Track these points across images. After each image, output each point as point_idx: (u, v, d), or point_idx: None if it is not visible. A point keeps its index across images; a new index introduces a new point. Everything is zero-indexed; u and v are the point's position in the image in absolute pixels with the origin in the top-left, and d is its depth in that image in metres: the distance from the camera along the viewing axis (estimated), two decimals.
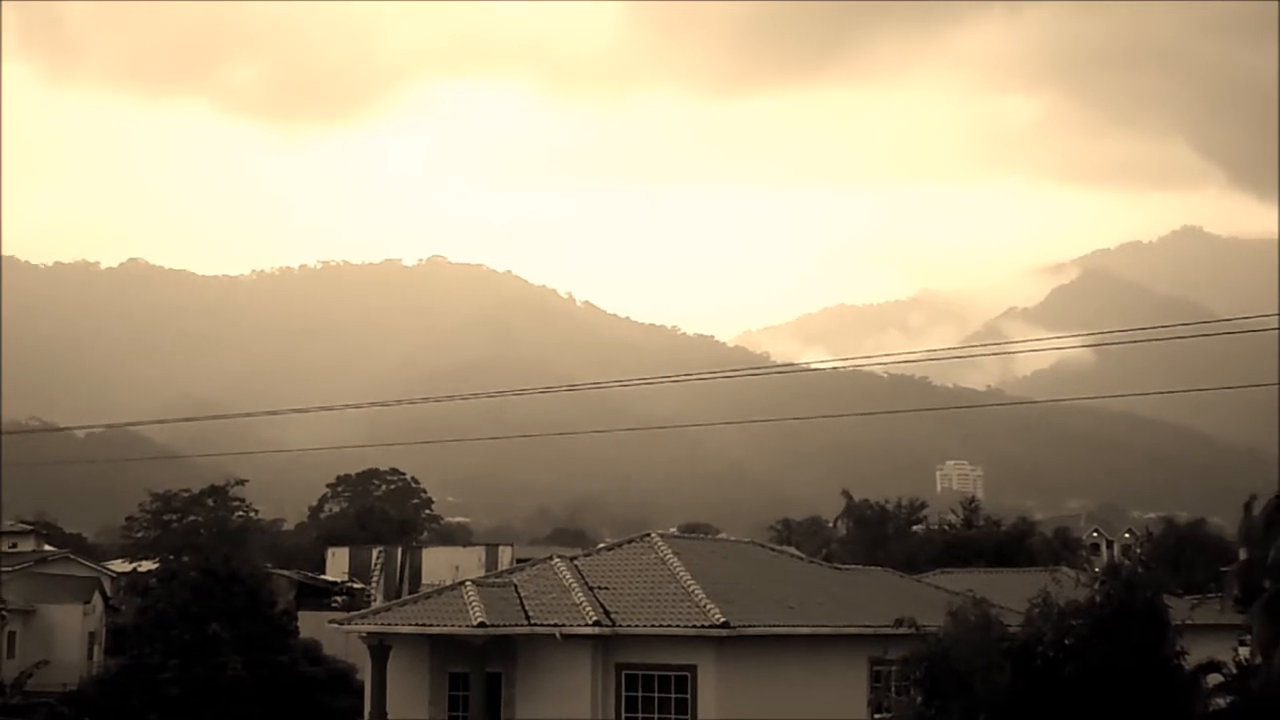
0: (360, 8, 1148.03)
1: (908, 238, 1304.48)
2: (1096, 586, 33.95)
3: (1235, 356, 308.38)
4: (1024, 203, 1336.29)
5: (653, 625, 41.31)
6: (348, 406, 75.20)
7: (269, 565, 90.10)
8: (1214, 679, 35.16)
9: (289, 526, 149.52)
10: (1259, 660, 34.34)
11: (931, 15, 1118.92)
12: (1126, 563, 40.09)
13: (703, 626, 40.23)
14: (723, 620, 39.93)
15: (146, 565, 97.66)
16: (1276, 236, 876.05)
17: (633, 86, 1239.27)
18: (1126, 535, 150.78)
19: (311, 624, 67.88)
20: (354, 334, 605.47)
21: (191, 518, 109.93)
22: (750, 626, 40.95)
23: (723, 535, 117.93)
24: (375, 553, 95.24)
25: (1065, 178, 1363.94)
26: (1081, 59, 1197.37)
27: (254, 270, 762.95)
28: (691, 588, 42.47)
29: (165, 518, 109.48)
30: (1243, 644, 40.87)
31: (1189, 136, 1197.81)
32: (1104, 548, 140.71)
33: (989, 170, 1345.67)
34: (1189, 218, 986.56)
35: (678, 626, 40.84)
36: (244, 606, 62.40)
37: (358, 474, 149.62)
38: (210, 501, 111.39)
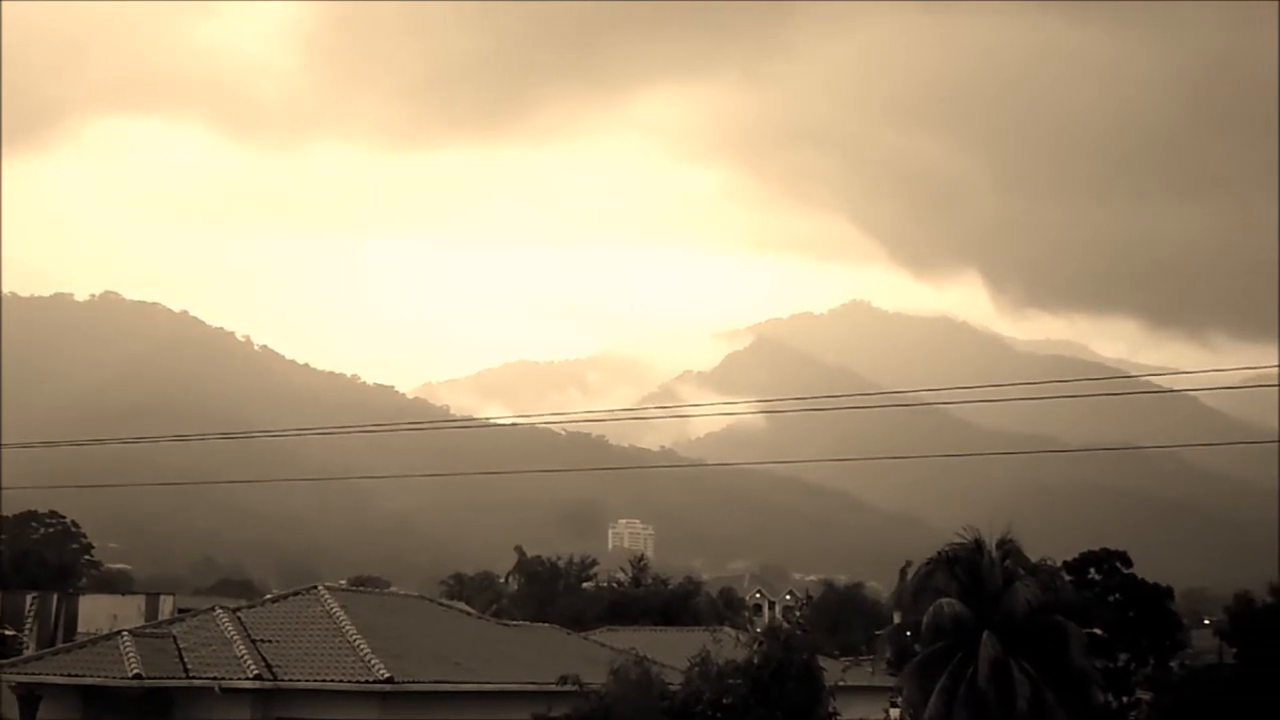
0: (32, 38, 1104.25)
1: (588, 297, 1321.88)
2: (755, 647, 34.98)
3: (896, 427, 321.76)
4: (701, 269, 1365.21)
5: (316, 680, 40.87)
6: (4, 446, 72.17)
7: None
8: None
9: None
10: None
11: (607, 82, 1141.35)
12: (785, 624, 41.21)
13: (367, 682, 39.98)
14: (387, 675, 39.75)
15: None
16: (935, 313, 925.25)
17: (313, 135, 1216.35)
18: (787, 597, 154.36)
19: None
20: (19, 370, 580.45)
21: None
22: (415, 682, 40.86)
23: (393, 589, 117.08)
24: (29, 598, 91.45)
25: (742, 247, 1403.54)
26: (749, 136, 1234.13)
27: None
28: (357, 642, 42.15)
29: None
30: (894, 705, 42.46)
31: (852, 215, 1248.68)
32: (766, 608, 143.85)
33: (667, 235, 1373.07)
34: (857, 292, 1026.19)
35: (341, 681, 40.49)
36: None
37: (14, 516, 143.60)
38: None
